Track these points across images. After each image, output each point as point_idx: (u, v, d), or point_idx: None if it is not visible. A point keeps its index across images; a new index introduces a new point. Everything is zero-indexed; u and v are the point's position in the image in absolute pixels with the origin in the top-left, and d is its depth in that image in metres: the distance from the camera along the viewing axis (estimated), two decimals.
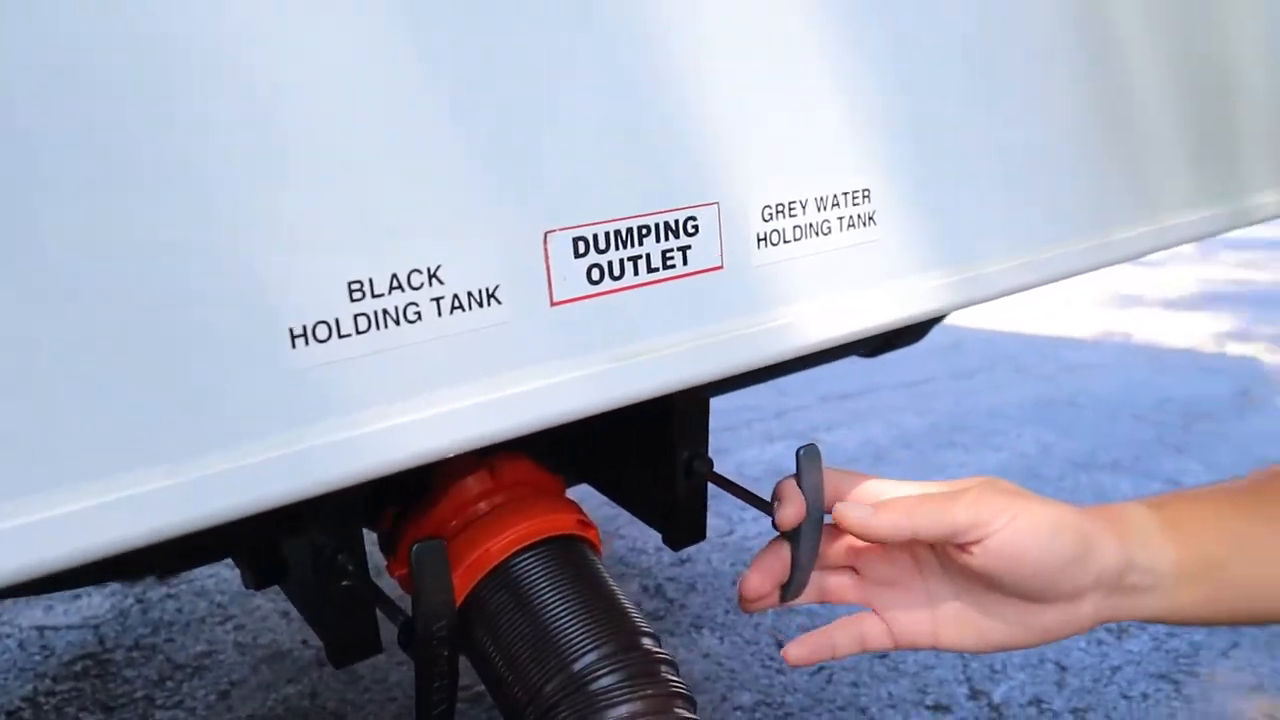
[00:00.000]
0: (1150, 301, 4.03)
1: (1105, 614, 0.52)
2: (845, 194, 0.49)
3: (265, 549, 0.64)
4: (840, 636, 0.56)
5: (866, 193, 0.50)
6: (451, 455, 0.39)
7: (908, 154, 0.52)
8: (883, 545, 0.56)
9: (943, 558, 0.54)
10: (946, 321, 3.78)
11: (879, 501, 0.53)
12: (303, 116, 0.34)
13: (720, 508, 2.03)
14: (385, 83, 0.35)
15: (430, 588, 0.39)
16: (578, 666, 0.55)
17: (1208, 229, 0.72)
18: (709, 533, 1.92)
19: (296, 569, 0.59)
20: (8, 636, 1.64)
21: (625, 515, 2.12)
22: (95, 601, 1.74)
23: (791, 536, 0.55)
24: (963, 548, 0.51)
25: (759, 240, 0.46)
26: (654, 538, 1.90)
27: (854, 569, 0.58)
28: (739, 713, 1.36)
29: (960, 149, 0.54)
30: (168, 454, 0.33)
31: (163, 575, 0.62)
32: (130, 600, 1.75)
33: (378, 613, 0.53)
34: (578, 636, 0.56)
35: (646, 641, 0.57)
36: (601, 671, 0.55)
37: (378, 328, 0.37)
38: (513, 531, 0.59)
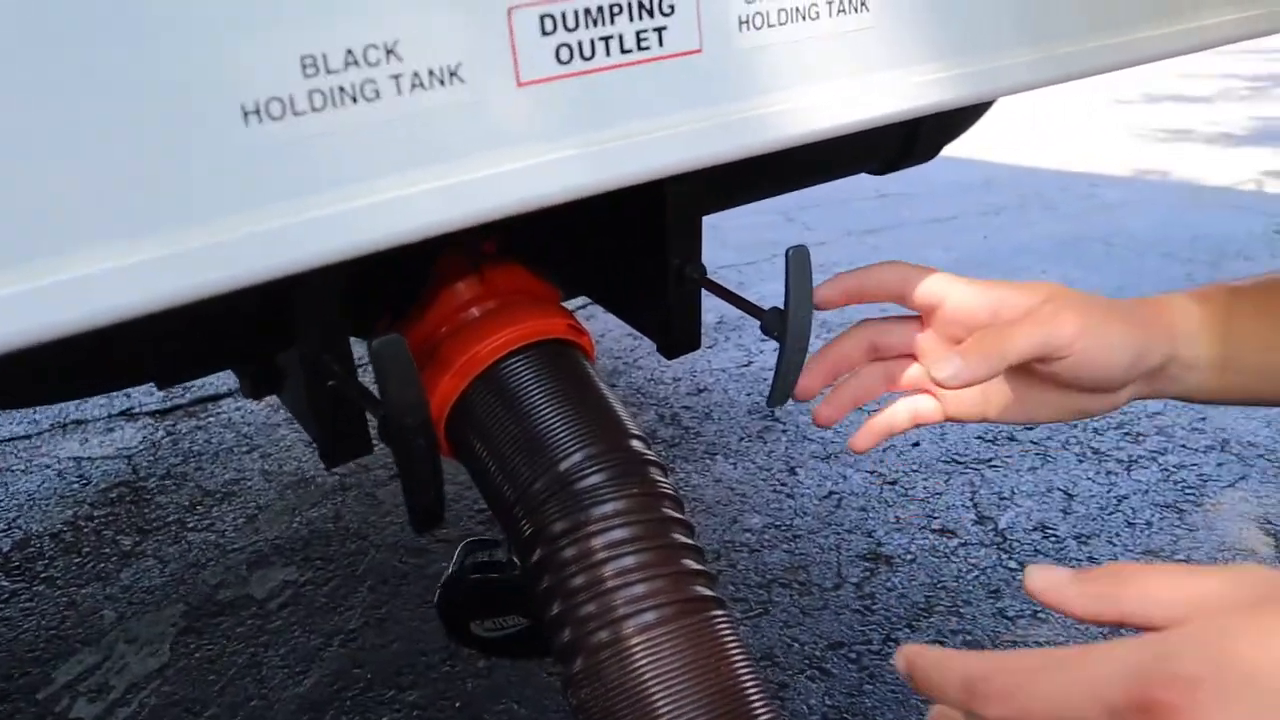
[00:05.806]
0: (1195, 138, 3.90)
1: (1140, 396, 0.58)
2: None
3: (261, 360, 0.64)
4: (898, 413, 0.61)
5: None
6: (416, 240, 0.38)
7: None
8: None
9: None
10: (977, 157, 3.68)
11: (961, 346, 0.54)
12: None
13: (741, 340, 2.04)
14: None
15: (395, 381, 0.39)
16: (564, 466, 0.55)
17: (1248, 30, 0.68)
18: (727, 364, 1.94)
19: (289, 376, 0.60)
20: (47, 467, 1.70)
21: (644, 346, 2.12)
22: (128, 434, 1.80)
23: (779, 337, 0.56)
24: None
25: (741, 23, 0.44)
26: (671, 368, 1.92)
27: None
28: (748, 534, 1.40)
29: None
30: (122, 232, 0.32)
31: (162, 384, 0.63)
32: (160, 432, 1.80)
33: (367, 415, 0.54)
34: (565, 436, 0.56)
35: (635, 443, 0.58)
36: (588, 470, 0.55)
37: (334, 105, 0.35)
38: (502, 335, 0.59)
